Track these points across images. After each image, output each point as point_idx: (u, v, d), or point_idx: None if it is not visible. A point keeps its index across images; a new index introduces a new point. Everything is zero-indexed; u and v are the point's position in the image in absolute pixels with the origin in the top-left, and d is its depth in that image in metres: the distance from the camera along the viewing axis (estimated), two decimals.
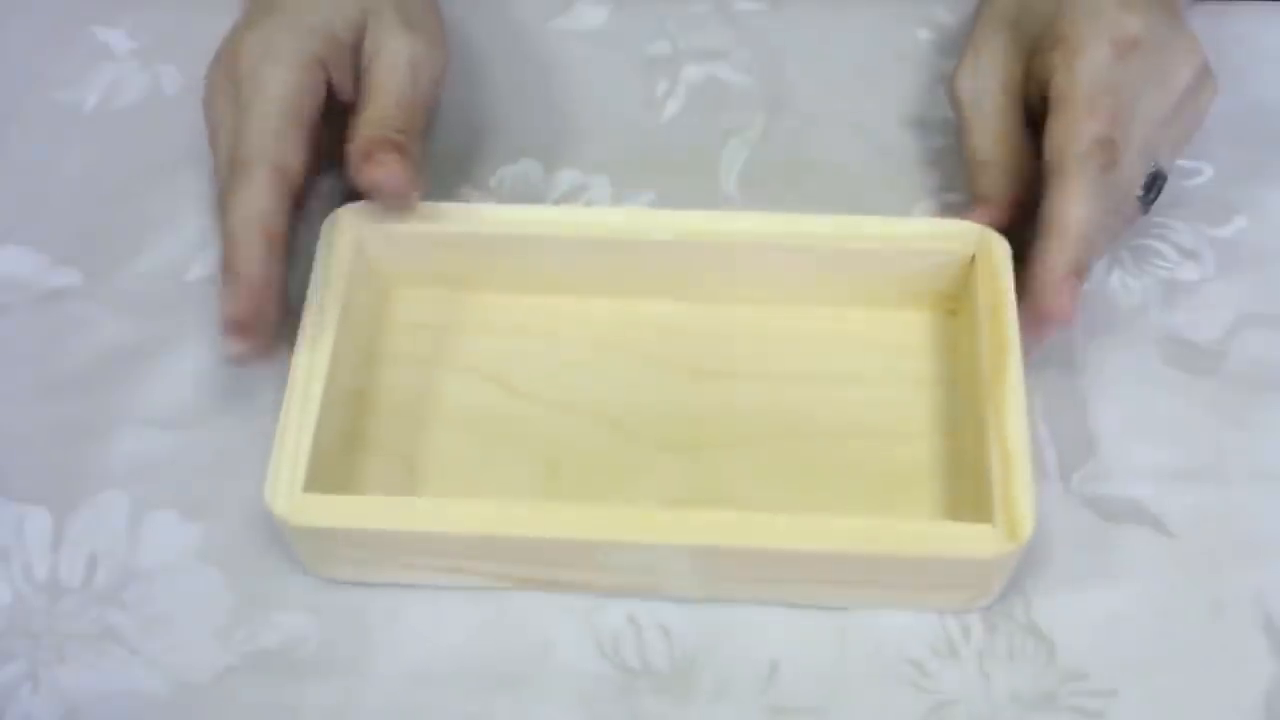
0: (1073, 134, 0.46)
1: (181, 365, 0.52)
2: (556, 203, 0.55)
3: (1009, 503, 0.43)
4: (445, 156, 0.56)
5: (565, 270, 0.51)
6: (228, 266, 0.46)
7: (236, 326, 0.46)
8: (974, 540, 0.43)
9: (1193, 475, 0.49)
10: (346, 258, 0.49)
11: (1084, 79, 0.47)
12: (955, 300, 0.50)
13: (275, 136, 0.47)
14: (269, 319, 0.47)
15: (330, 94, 0.50)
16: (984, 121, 0.51)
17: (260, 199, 0.47)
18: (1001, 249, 0.48)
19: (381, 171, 0.48)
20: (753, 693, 0.45)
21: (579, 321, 0.51)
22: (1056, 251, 0.46)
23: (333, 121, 0.50)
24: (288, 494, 0.44)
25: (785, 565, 0.44)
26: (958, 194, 0.55)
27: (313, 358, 0.47)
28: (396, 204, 0.49)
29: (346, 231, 0.49)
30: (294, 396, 0.46)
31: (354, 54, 0.51)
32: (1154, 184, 0.50)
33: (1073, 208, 0.46)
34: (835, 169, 0.56)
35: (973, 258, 0.49)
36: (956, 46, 0.59)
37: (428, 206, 0.50)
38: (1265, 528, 0.48)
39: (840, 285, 0.50)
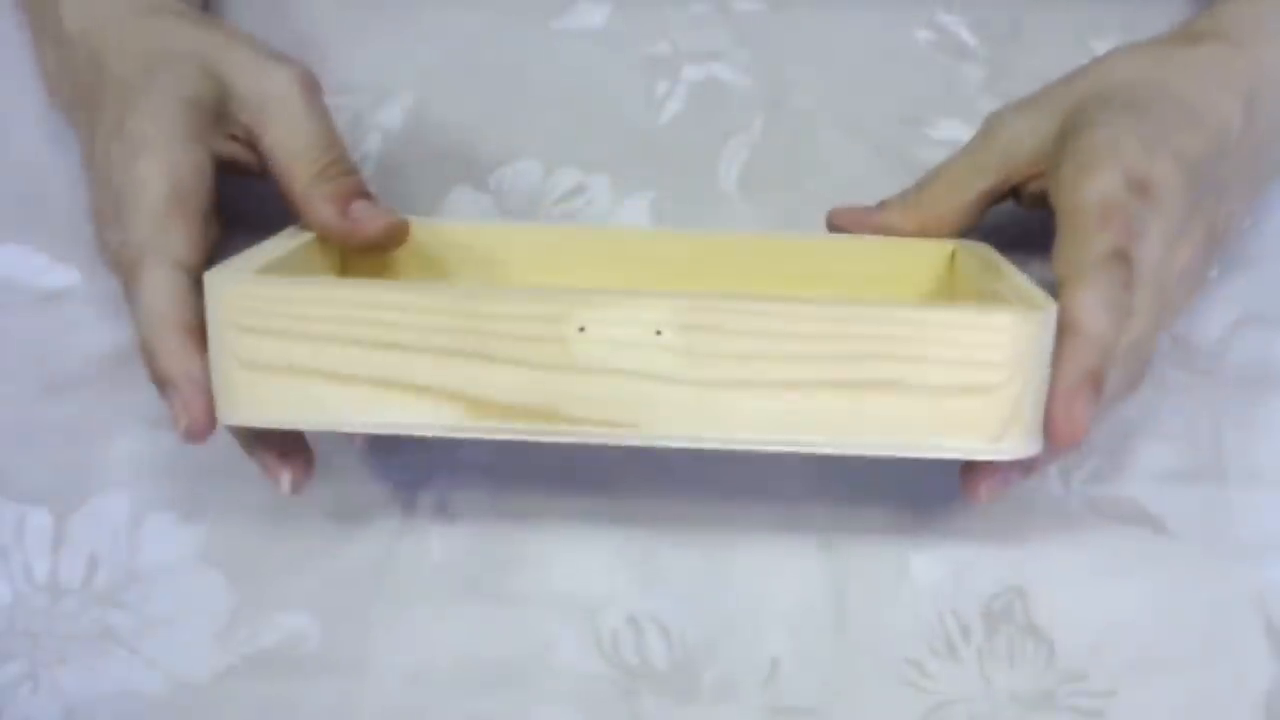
0: (1088, 243, 0.43)
1: None
2: (556, 203, 0.55)
3: (1022, 293, 0.41)
4: (445, 156, 0.56)
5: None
6: (158, 378, 0.43)
7: (198, 429, 0.42)
8: (993, 313, 0.39)
9: (1193, 475, 0.49)
10: None
11: (1097, 194, 0.44)
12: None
13: (159, 229, 0.44)
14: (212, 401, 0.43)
15: (227, 165, 0.48)
16: (961, 164, 0.50)
17: (160, 300, 0.43)
18: None
19: (372, 226, 0.47)
20: (753, 693, 0.45)
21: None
22: (1070, 359, 0.41)
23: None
24: (235, 279, 0.40)
25: (783, 338, 0.39)
26: None
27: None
28: (397, 242, 0.48)
29: None
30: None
31: (227, 113, 0.48)
32: None
33: (1089, 313, 0.41)
34: (835, 169, 0.56)
35: None
36: (956, 46, 0.59)
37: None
38: (1265, 528, 0.48)
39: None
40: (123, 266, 0.44)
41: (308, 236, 0.46)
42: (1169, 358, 0.51)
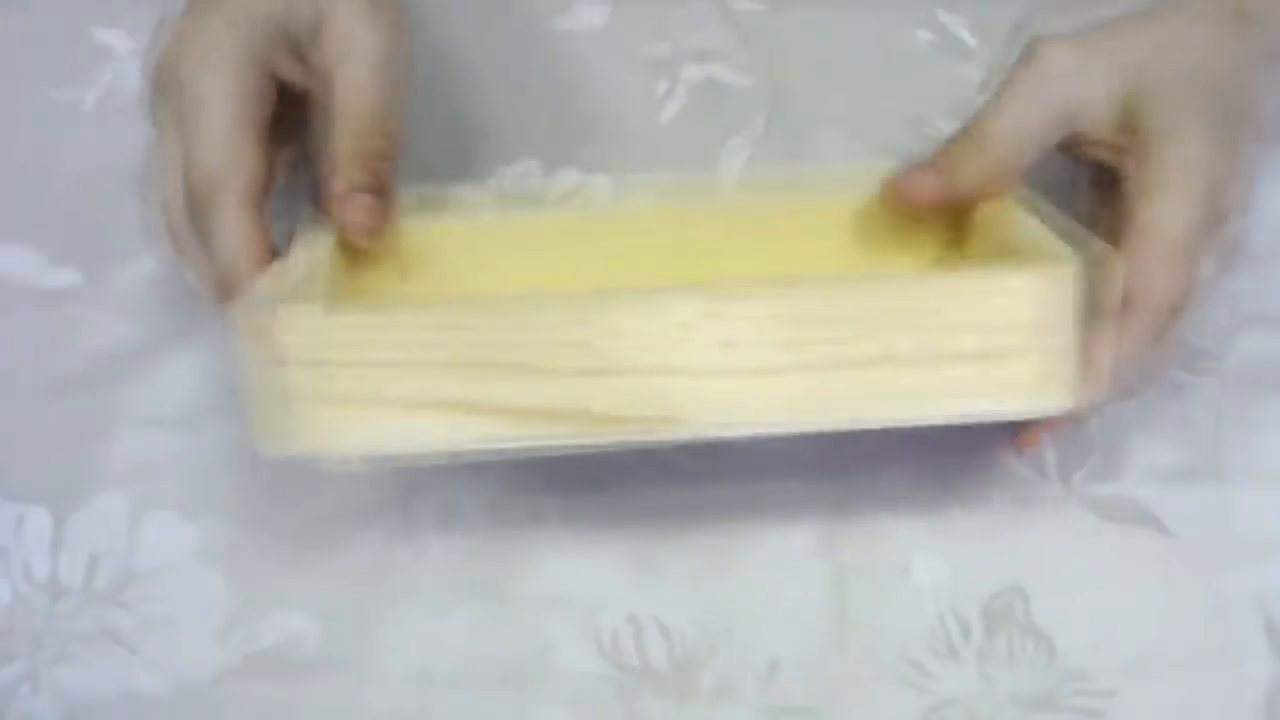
0: (1149, 282, 0.42)
1: (181, 365, 0.52)
2: (556, 202, 0.55)
3: (1040, 244, 0.41)
4: (444, 155, 0.56)
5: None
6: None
7: None
8: (1009, 276, 0.39)
9: (1193, 475, 0.49)
10: None
11: (1180, 226, 0.43)
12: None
13: (233, 157, 0.45)
14: None
15: (283, 87, 0.48)
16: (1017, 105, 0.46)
17: (241, 233, 0.44)
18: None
19: (360, 215, 0.45)
20: (753, 693, 0.45)
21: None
22: (1138, 323, 0.42)
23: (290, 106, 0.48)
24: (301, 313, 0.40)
25: (804, 322, 0.39)
26: None
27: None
28: (366, 240, 0.46)
29: None
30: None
31: (308, 46, 0.47)
32: None
33: (1162, 280, 0.42)
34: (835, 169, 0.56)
35: None
36: (956, 46, 0.59)
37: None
38: (1265, 528, 0.47)
39: None
40: (196, 195, 0.45)
41: (325, 246, 0.45)
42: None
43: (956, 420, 0.40)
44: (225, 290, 0.44)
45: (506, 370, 0.39)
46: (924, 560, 0.47)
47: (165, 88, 0.46)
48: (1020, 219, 0.44)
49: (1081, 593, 0.46)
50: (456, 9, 0.59)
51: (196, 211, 0.45)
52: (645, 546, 0.48)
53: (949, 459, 0.49)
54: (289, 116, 0.48)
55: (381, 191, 0.46)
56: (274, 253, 0.45)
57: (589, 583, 0.47)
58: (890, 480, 0.49)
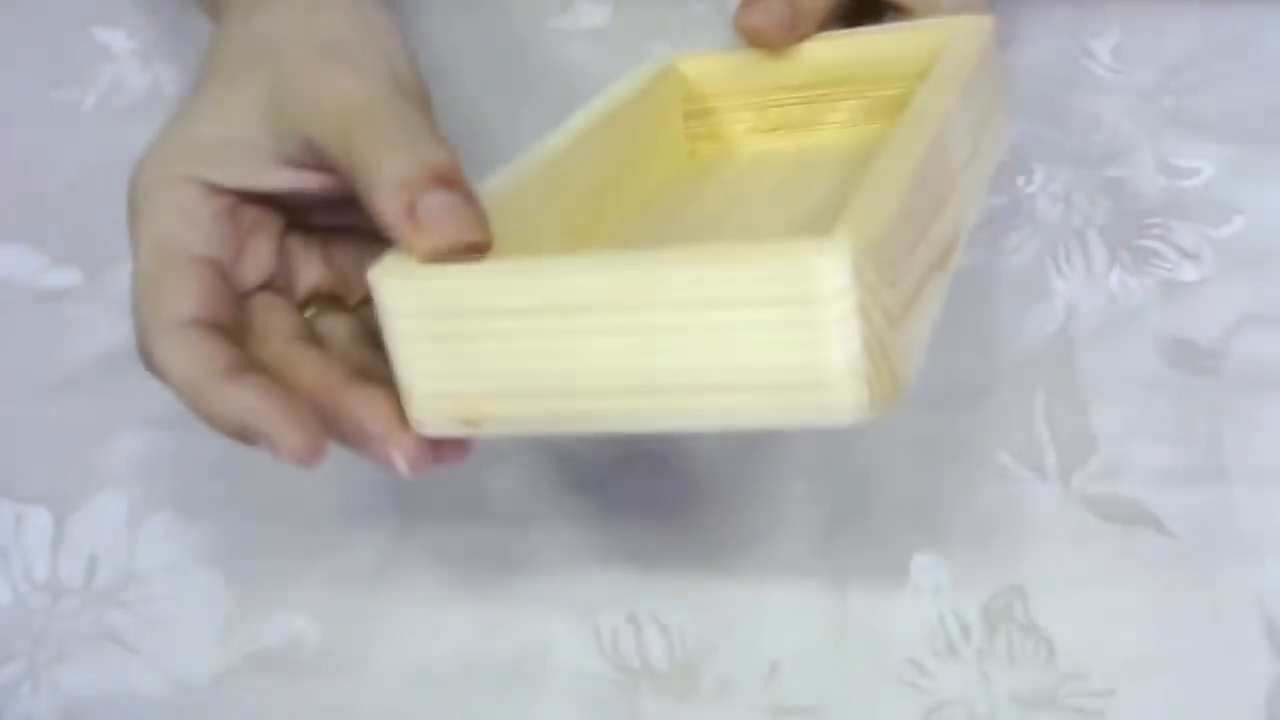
0: None
1: None
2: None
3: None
4: None
5: None
6: (237, 433, 0.38)
7: (311, 450, 0.37)
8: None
9: (1193, 475, 0.49)
10: None
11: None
12: None
13: (157, 287, 0.38)
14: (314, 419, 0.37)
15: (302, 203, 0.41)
16: None
17: (182, 364, 0.38)
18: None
19: (445, 228, 0.35)
20: (753, 693, 0.45)
21: None
22: None
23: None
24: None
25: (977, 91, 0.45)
26: None
27: None
28: (471, 255, 0.36)
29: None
30: None
31: (279, 139, 0.39)
32: None
33: None
34: None
35: None
36: None
37: None
38: (1265, 528, 0.47)
39: None
40: (136, 321, 0.40)
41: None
42: (1169, 358, 0.51)
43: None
44: (217, 426, 0.38)
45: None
46: (924, 560, 0.47)
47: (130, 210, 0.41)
48: (872, 31, 0.49)
49: (1081, 593, 0.46)
50: (456, 10, 0.60)
51: (139, 342, 0.40)
52: (645, 546, 0.48)
53: (949, 459, 0.49)
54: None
55: (456, 182, 0.37)
56: (245, 362, 0.38)
57: (589, 583, 0.47)
58: (890, 480, 0.49)
